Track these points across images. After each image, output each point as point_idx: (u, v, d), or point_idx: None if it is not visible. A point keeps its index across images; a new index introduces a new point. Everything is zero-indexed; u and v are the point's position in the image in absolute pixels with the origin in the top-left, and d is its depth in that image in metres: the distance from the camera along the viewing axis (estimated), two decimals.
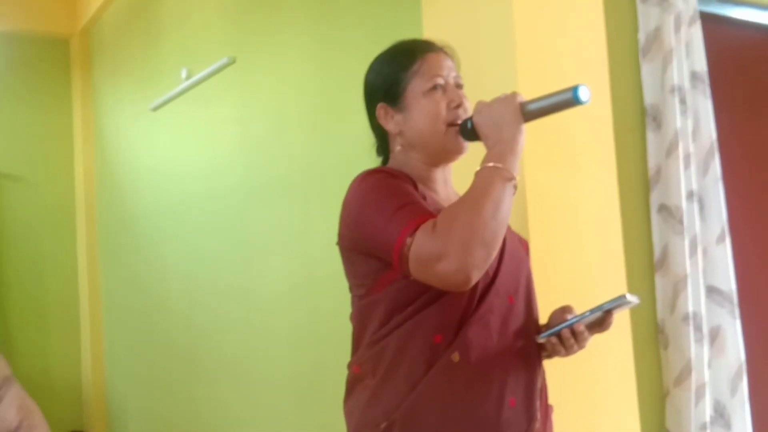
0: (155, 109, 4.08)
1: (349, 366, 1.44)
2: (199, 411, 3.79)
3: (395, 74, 1.45)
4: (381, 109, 1.47)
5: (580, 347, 1.43)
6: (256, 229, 3.24)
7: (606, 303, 1.41)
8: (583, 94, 1.31)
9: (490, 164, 1.29)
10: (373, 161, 1.60)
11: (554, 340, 1.40)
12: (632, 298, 1.39)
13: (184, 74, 3.73)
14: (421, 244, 1.24)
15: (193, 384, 3.84)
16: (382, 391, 1.34)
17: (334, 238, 2.77)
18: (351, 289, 1.45)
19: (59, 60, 5.14)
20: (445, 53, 1.48)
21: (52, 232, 5.02)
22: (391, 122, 1.46)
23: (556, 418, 1.78)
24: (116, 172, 4.74)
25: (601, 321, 1.42)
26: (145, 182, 4.36)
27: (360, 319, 1.42)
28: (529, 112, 1.35)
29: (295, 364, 2.98)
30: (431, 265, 1.23)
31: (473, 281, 1.24)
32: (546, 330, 1.43)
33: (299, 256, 2.93)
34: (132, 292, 4.56)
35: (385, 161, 1.53)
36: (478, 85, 1.73)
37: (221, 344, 3.56)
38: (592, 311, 1.40)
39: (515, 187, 1.30)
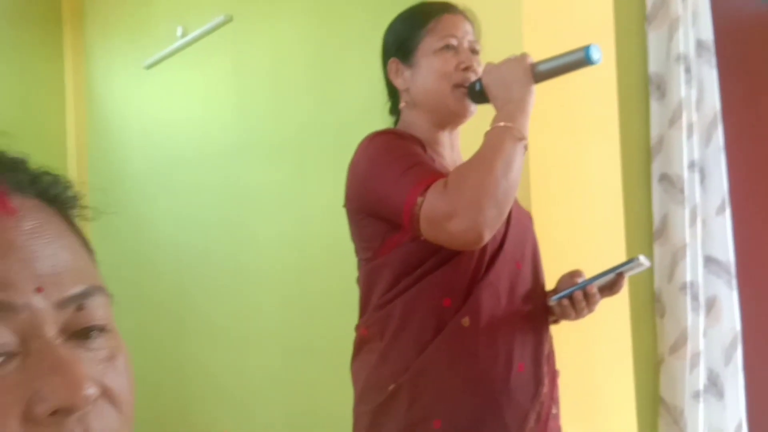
0: (149, 66, 4.02)
1: (357, 328, 1.44)
2: (186, 374, 3.80)
3: (409, 31, 1.44)
4: (392, 63, 1.46)
5: (590, 311, 1.43)
6: (249, 191, 3.22)
7: (619, 265, 1.41)
8: (595, 53, 1.30)
9: (501, 124, 1.28)
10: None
11: (565, 302, 1.41)
12: (645, 261, 1.40)
13: (179, 32, 3.67)
14: (432, 203, 1.23)
15: (181, 347, 3.84)
16: (389, 354, 1.35)
17: (328, 200, 2.76)
18: (357, 252, 1.45)
19: (50, 13, 5.04)
20: (465, 17, 1.46)
21: None
22: (400, 78, 1.45)
23: None
24: (108, 130, 4.68)
25: (612, 284, 1.43)
26: (137, 141, 4.31)
27: (367, 282, 1.41)
28: (540, 73, 1.33)
29: (284, 327, 2.98)
30: (442, 223, 1.22)
31: (485, 240, 1.24)
32: (555, 294, 1.43)
33: (292, 219, 2.92)
34: (120, 253, 4.54)
35: (397, 121, 1.52)
36: (483, 50, 1.71)
37: (210, 307, 3.55)
38: (604, 273, 1.41)
39: (526, 147, 1.28)
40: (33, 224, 0.47)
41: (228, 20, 3.28)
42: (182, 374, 3.84)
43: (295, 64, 2.92)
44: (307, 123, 2.84)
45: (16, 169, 0.51)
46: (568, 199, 1.93)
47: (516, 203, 1.49)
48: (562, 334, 1.76)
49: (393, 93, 1.50)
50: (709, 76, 2.13)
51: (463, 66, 1.40)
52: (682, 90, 2.07)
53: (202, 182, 3.60)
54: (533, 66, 1.33)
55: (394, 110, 1.52)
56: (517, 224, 1.43)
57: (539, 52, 1.86)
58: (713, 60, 2.13)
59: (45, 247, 0.47)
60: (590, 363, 1.92)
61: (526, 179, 1.85)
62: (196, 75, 3.64)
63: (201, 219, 3.63)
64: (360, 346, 1.43)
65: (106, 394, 0.47)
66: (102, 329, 0.50)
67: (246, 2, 3.21)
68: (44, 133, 5.01)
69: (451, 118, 1.44)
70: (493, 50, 1.88)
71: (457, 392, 1.31)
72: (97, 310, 0.49)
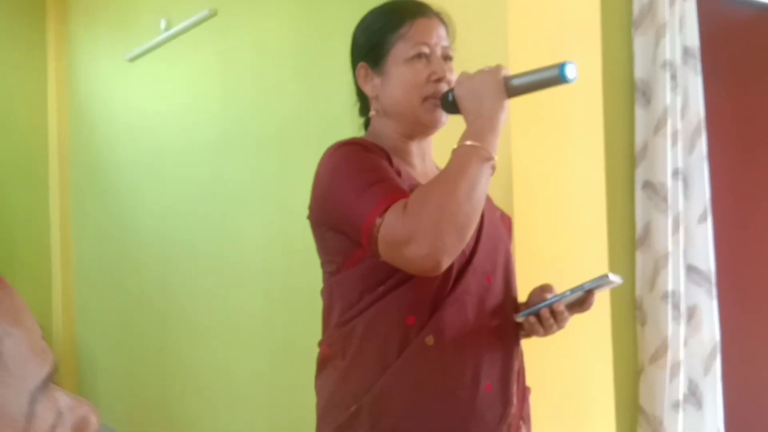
0: (132, 59, 3.97)
1: (319, 344, 1.40)
2: (168, 370, 3.76)
3: (380, 35, 1.37)
4: (361, 68, 1.39)
5: (560, 327, 1.38)
6: (234, 186, 3.18)
7: (587, 282, 1.37)
8: (570, 72, 1.24)
9: (468, 142, 1.22)
10: (354, 119, 1.54)
11: (533, 319, 1.36)
12: (615, 278, 1.36)
13: (163, 25, 3.63)
14: (390, 226, 1.17)
15: (164, 344, 3.81)
16: (351, 373, 1.30)
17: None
18: (322, 265, 1.40)
19: (33, 3, 4.97)
20: (440, 20, 1.39)
21: (23, 182, 4.89)
22: (369, 84, 1.39)
23: (534, 393, 1.78)
24: (91, 122, 4.63)
25: (581, 301, 1.38)
26: (121, 133, 4.26)
27: (330, 296, 1.36)
28: (513, 88, 1.28)
29: (268, 324, 2.96)
30: (400, 248, 1.17)
31: (443, 267, 1.18)
32: (525, 309, 1.39)
33: (276, 214, 2.89)
34: (105, 245, 4.49)
35: (366, 123, 1.47)
36: (467, 54, 1.68)
37: (193, 303, 3.52)
38: (572, 291, 1.36)
39: (493, 168, 1.23)
40: None
41: (212, 14, 3.24)
42: (165, 370, 3.81)
43: (280, 60, 2.89)
44: (292, 118, 2.81)
45: None
46: (551, 205, 1.91)
47: (493, 207, 1.44)
48: (542, 341, 1.74)
49: (362, 95, 1.44)
50: (694, 83, 2.12)
51: (434, 77, 1.34)
52: (667, 97, 2.06)
53: (186, 176, 3.56)
54: (507, 80, 1.27)
55: (364, 112, 1.46)
56: (489, 236, 1.37)
57: (525, 57, 1.85)
58: (699, 67, 2.12)
59: None
60: (570, 371, 1.91)
61: (508, 184, 1.83)
62: (181, 69, 3.60)
63: (185, 213, 3.59)
64: (323, 363, 1.38)
65: None
66: None
67: None
68: (25, 124, 4.94)
69: (421, 129, 1.38)
70: (477, 55, 1.86)
71: (420, 414, 1.27)
72: None
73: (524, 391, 1.42)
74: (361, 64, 1.39)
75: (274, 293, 2.92)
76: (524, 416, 1.40)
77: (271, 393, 2.92)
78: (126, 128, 4.20)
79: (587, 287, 1.36)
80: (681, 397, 2.02)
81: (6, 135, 4.84)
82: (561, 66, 1.24)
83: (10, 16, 4.88)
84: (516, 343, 1.40)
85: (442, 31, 1.38)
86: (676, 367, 2.02)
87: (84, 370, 4.81)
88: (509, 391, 1.34)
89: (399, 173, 1.31)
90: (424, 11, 1.38)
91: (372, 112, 1.41)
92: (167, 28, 3.59)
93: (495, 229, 1.41)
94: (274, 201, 2.90)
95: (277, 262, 2.89)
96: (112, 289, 4.40)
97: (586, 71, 2.05)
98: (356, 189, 1.24)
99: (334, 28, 2.64)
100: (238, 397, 3.15)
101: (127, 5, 4.13)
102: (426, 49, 1.34)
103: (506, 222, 1.51)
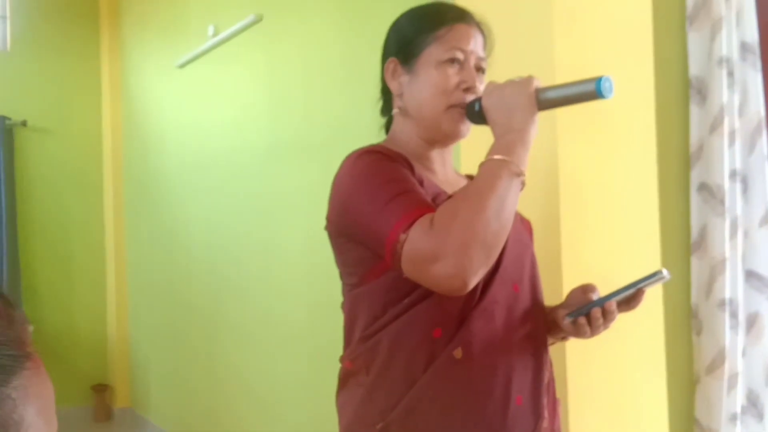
0: (182, 66, 4.01)
1: (341, 360, 1.36)
2: (217, 374, 3.79)
3: (416, 33, 1.33)
4: (391, 63, 1.36)
5: (606, 328, 1.33)
6: (278, 191, 3.19)
7: (640, 280, 1.31)
8: (606, 88, 1.18)
9: (497, 156, 1.17)
10: (380, 121, 1.50)
11: (582, 320, 1.30)
12: (666, 274, 1.30)
13: (210, 31, 3.66)
14: (415, 243, 1.13)
15: (212, 348, 3.84)
16: (377, 390, 1.26)
17: None
18: (342, 277, 1.36)
19: (88, 13, 5.09)
20: (479, 29, 1.35)
21: (79, 186, 5.01)
22: (396, 81, 1.35)
23: (583, 404, 1.72)
24: (143, 127, 4.70)
25: (630, 299, 1.32)
26: (171, 140, 4.32)
27: (352, 310, 1.32)
28: (545, 101, 1.23)
29: (312, 332, 2.94)
30: (425, 266, 1.12)
31: (470, 287, 1.13)
32: (566, 310, 1.33)
33: (319, 223, 2.86)
34: (155, 253, 4.56)
35: (389, 122, 1.43)
36: (512, 56, 1.63)
37: (240, 310, 3.54)
38: (625, 288, 1.31)
39: (523, 183, 1.19)
40: None
41: (258, 20, 3.25)
42: (213, 374, 3.84)
43: (326, 65, 2.87)
44: (337, 126, 2.79)
45: None
46: (600, 208, 1.84)
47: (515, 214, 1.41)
48: (593, 349, 1.67)
49: (387, 92, 1.41)
50: (753, 79, 2.02)
51: (464, 86, 1.30)
52: (724, 94, 1.96)
53: (233, 184, 3.59)
54: (539, 92, 1.22)
55: (386, 110, 1.43)
56: (515, 243, 1.31)
57: (573, 55, 1.78)
58: (758, 63, 2.02)
59: None
60: (622, 382, 1.83)
61: (555, 188, 1.76)
62: (228, 75, 3.62)
63: (232, 221, 3.62)
64: (345, 379, 1.34)
65: None
66: None
67: (276, 2, 3.17)
68: (81, 128, 5.06)
69: (441, 138, 1.34)
70: (522, 53, 1.80)
71: (449, 430, 1.22)
72: None
73: (554, 404, 1.37)
74: (392, 59, 1.36)
75: (317, 301, 2.90)
76: (555, 430, 1.34)
77: (315, 397, 2.91)
78: (176, 135, 4.25)
79: (640, 285, 1.31)
80: (739, 409, 1.92)
81: (63, 144, 4.96)
82: (597, 81, 1.18)
83: (65, 25, 5.01)
84: (545, 352, 1.35)
85: (479, 40, 1.34)
86: (733, 378, 1.92)
87: (136, 372, 4.89)
88: (540, 403, 1.29)
89: (421, 182, 1.27)
90: (465, 17, 1.34)
91: (395, 110, 1.37)
92: (215, 34, 3.62)
93: (519, 235, 1.36)
94: (318, 210, 2.88)
95: (321, 270, 2.86)
96: (163, 295, 4.46)
97: (638, 69, 1.98)
98: (379, 201, 1.19)
99: (379, 34, 2.60)
100: (283, 401, 3.14)
101: (176, 13, 4.18)
102: (460, 55, 1.30)
103: (526, 226, 1.46)
